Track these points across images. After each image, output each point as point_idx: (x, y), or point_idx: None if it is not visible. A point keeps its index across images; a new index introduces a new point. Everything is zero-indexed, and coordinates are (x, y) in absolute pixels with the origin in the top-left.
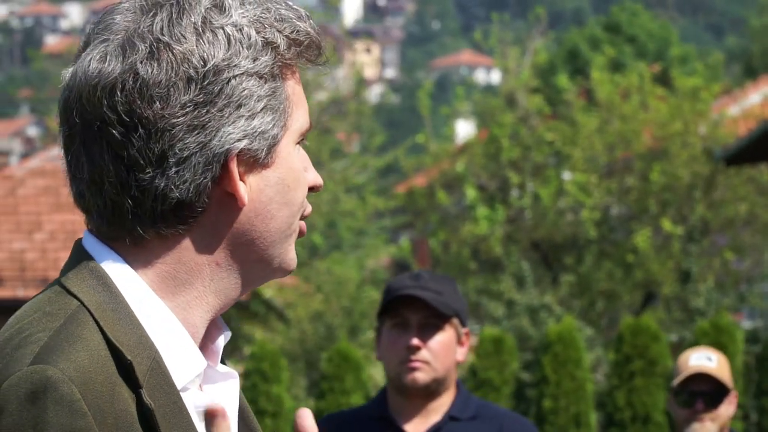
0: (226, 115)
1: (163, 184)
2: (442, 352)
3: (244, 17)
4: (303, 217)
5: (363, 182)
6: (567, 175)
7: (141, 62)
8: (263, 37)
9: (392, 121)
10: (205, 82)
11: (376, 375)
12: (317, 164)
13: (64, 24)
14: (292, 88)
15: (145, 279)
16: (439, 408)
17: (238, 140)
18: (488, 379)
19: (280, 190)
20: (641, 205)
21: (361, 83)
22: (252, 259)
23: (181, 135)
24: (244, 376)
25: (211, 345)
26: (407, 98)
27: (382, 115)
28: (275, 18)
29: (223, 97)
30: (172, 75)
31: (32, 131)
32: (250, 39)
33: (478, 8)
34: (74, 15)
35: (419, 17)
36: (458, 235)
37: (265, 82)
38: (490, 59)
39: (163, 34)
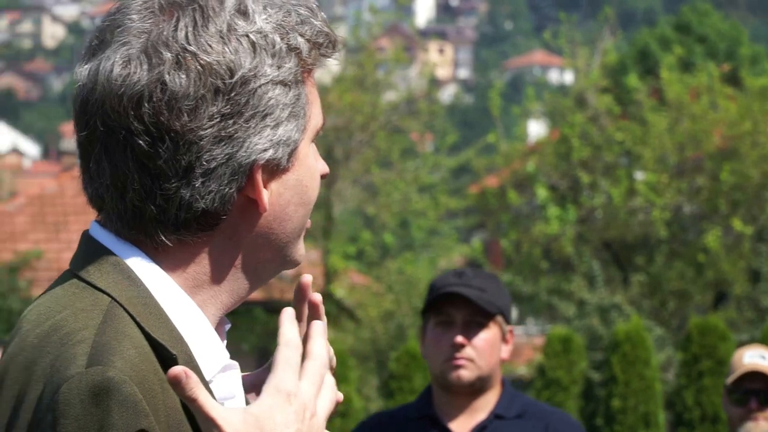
0: (253, 126)
1: (188, 195)
2: (487, 349)
3: (268, 23)
4: None
5: (435, 182)
6: (638, 175)
7: (168, 73)
8: (287, 43)
9: (465, 121)
10: (233, 94)
11: None
12: (387, 164)
13: None
14: (310, 89)
15: (170, 275)
16: (485, 406)
17: (264, 150)
18: (557, 379)
19: (298, 191)
20: (711, 204)
21: (433, 83)
22: (266, 259)
23: (208, 146)
24: None
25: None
26: (480, 98)
27: (455, 115)
28: (296, 21)
29: (250, 107)
30: (200, 87)
31: None
32: (274, 46)
33: (550, 8)
34: None
35: (492, 17)
36: (530, 235)
37: (290, 90)
38: (562, 59)
39: (189, 43)
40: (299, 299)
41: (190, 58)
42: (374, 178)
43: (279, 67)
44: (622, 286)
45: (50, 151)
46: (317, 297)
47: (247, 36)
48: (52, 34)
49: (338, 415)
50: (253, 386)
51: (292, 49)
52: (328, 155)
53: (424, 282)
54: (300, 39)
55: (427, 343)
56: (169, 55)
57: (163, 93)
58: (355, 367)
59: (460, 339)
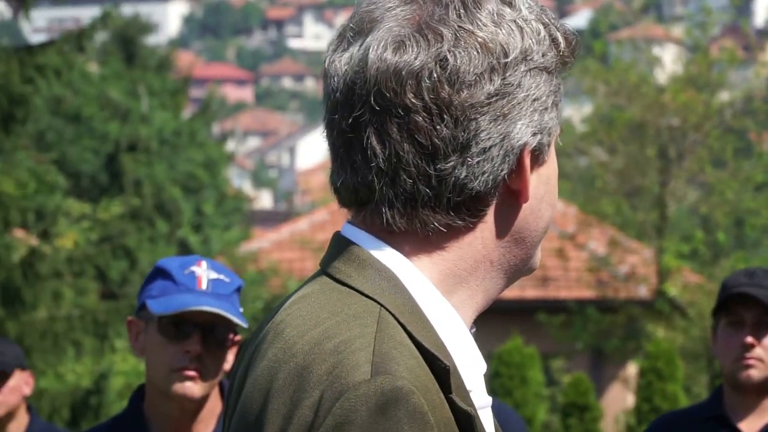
0: (524, 108)
1: (463, 174)
2: None
3: (531, 13)
4: None
5: None
6: None
7: (449, 50)
8: (549, 33)
9: None
10: (507, 73)
11: None
12: (721, 163)
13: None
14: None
15: (428, 276)
16: None
17: (533, 134)
18: None
19: (549, 189)
20: None
21: None
22: (518, 258)
23: (485, 125)
24: (640, 374)
25: None
26: None
27: None
28: (552, 17)
29: (522, 89)
30: (479, 63)
31: None
32: (539, 34)
33: None
34: None
35: None
36: None
37: (553, 78)
38: None
39: (463, 21)
40: None
41: (467, 35)
42: (708, 178)
43: (544, 54)
44: None
45: None
46: None
47: (515, 21)
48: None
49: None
50: None
51: (554, 40)
52: (661, 154)
53: None
54: (558, 32)
55: (718, 343)
56: (448, 32)
57: (443, 69)
58: (680, 366)
59: (749, 339)
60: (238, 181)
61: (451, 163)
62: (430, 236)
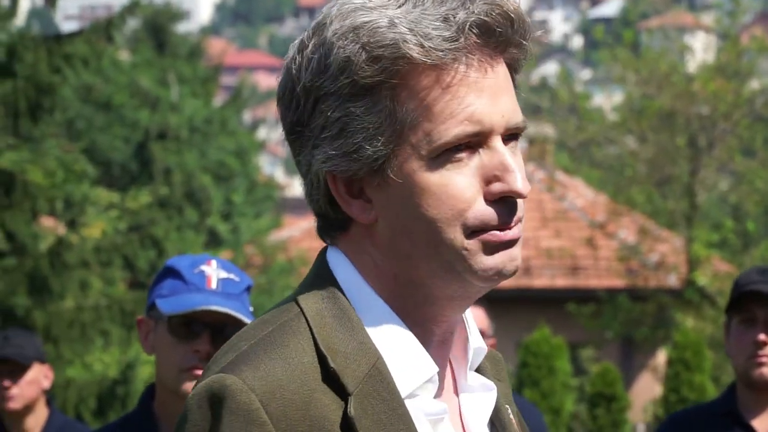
0: (320, 136)
1: (308, 195)
2: None
3: (334, 36)
4: None
5: None
6: None
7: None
8: (343, 57)
9: None
10: (301, 102)
11: None
12: (751, 152)
13: None
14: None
15: (370, 283)
16: None
17: (326, 161)
18: None
19: (414, 204)
20: None
21: None
22: (423, 270)
23: (297, 153)
24: (668, 364)
25: (461, 355)
26: None
27: None
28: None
29: (315, 117)
30: (282, 88)
31: None
32: (327, 59)
33: None
34: None
35: None
36: None
37: (346, 102)
38: None
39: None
40: None
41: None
42: (737, 166)
43: (334, 80)
44: None
45: None
46: None
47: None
48: None
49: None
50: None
51: (347, 63)
52: (691, 143)
53: None
54: (353, 54)
55: (731, 341)
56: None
57: None
58: (708, 357)
59: (762, 337)
60: (270, 168)
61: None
62: (360, 245)
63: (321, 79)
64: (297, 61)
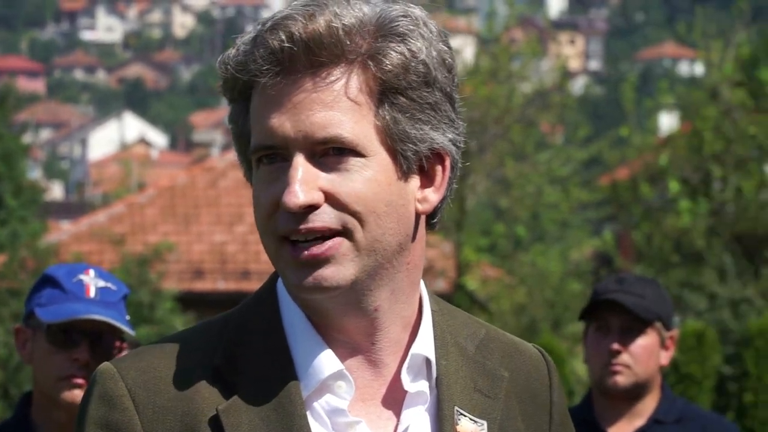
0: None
1: None
2: (644, 356)
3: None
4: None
5: (567, 174)
6: None
7: None
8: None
9: (596, 112)
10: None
11: (579, 369)
12: (521, 157)
13: (265, 14)
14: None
15: None
16: (644, 411)
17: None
18: (690, 374)
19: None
20: None
21: (566, 75)
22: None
23: None
24: None
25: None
26: (611, 90)
27: (586, 106)
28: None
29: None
30: None
31: None
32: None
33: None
34: (276, 4)
35: (623, 9)
36: (661, 228)
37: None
38: (693, 51)
39: None
40: None
41: None
42: (508, 171)
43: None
44: (753, 279)
45: (178, 142)
46: None
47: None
48: (182, 23)
49: None
50: None
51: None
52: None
53: (556, 275)
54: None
55: (587, 349)
56: None
57: None
58: None
59: (616, 346)
60: (30, 172)
61: None
62: None
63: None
64: None
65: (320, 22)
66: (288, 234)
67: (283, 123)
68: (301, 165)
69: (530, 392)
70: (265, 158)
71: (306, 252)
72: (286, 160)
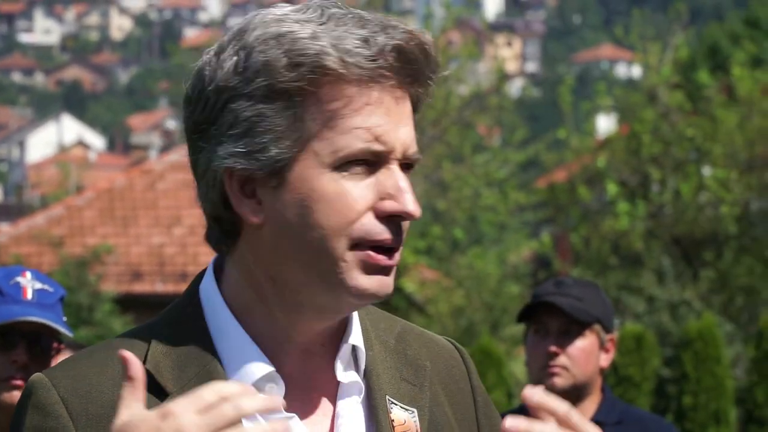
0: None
1: (201, 197)
2: (582, 358)
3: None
4: None
5: (504, 177)
6: (707, 171)
7: None
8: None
9: (533, 115)
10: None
11: (517, 371)
12: (459, 159)
13: (203, 17)
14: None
15: (224, 293)
16: (584, 413)
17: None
18: (629, 376)
19: (297, 212)
20: None
21: (503, 77)
22: (296, 279)
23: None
24: None
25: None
26: (548, 92)
27: (523, 109)
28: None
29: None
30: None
31: (171, 124)
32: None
33: (619, 2)
34: (213, 8)
35: (560, 11)
36: (599, 230)
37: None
38: (631, 53)
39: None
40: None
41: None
42: (445, 174)
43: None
44: (692, 281)
45: (116, 144)
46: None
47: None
48: (120, 26)
49: None
50: None
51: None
52: None
53: (494, 277)
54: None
55: (527, 351)
56: None
57: None
58: None
59: (553, 348)
60: None
61: (200, 191)
62: (227, 257)
63: (236, 79)
64: (212, 63)
65: (430, 39)
66: (384, 241)
67: (391, 130)
68: (402, 175)
69: (452, 379)
70: (355, 163)
71: (390, 260)
72: (373, 166)
